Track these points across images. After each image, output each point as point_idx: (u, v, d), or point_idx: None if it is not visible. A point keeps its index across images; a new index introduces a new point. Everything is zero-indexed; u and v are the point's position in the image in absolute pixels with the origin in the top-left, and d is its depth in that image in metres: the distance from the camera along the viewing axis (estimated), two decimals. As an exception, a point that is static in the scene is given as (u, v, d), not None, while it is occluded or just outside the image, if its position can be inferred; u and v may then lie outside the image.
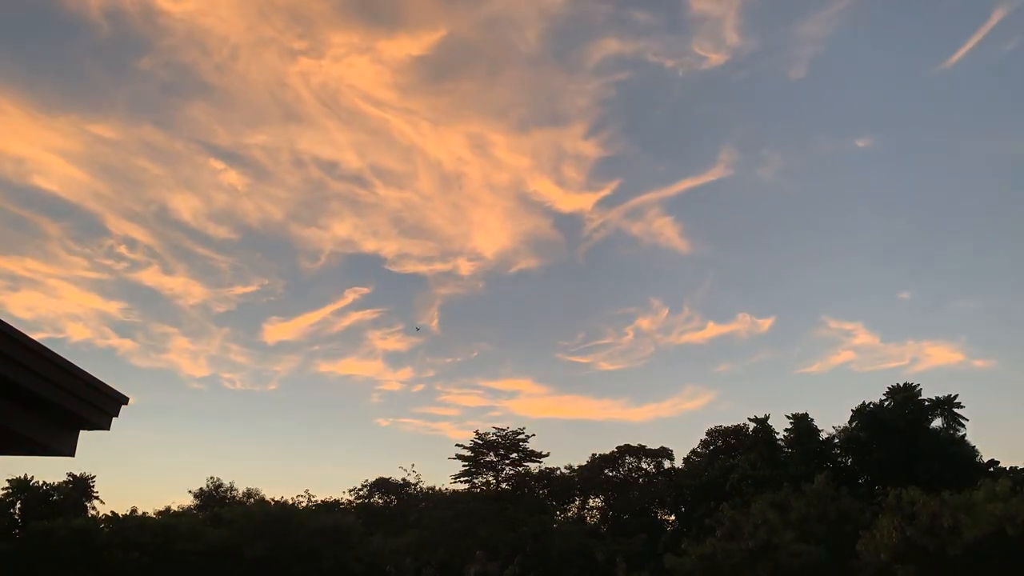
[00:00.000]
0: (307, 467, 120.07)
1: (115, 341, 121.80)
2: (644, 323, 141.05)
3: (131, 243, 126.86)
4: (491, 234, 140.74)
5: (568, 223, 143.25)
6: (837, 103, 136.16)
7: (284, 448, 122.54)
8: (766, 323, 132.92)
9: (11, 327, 4.56)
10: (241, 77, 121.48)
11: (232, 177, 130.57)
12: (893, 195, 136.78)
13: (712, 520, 46.23)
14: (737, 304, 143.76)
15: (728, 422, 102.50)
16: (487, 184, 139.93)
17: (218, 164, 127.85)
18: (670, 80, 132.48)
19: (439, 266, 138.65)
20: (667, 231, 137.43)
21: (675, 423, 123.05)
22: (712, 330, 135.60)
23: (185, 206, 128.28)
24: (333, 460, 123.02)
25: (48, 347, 4.87)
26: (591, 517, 77.22)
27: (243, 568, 50.36)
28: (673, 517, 71.96)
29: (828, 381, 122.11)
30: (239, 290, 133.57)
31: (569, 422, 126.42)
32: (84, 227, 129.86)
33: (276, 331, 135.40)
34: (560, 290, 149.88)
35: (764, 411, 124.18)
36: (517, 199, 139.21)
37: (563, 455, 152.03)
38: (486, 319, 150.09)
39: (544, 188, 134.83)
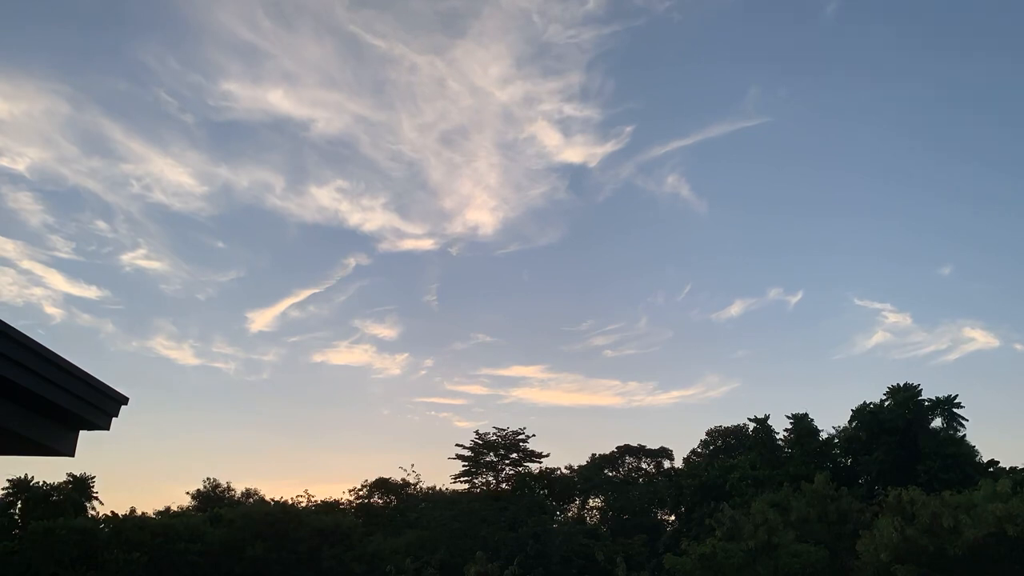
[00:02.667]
0: (308, 460, 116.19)
1: (93, 326, 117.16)
2: (664, 301, 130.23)
3: (107, 219, 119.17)
4: (491, 200, 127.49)
5: (576, 183, 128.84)
6: (872, 41, 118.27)
7: (284, 441, 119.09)
8: (794, 299, 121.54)
9: (11, 327, 4.55)
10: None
11: (207, 143, 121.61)
12: (938, 149, 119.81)
13: (712, 520, 46.22)
14: (765, 277, 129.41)
15: (754, 410, 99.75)
16: (482, 136, 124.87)
17: (186, 122, 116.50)
18: (685, 16, 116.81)
19: (429, 243, 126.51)
20: (683, 190, 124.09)
21: (699, 410, 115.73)
22: (738, 306, 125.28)
23: (157, 178, 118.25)
24: (335, 453, 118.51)
25: (38, 342, 4.86)
26: (591, 517, 77.28)
27: (243, 568, 50.35)
28: (673, 517, 71.99)
29: (863, 365, 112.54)
30: (223, 274, 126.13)
31: (584, 410, 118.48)
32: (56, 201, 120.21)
33: (264, 317, 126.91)
34: (569, 265, 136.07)
35: (792, 399, 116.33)
36: (518, 155, 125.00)
37: (578, 446, 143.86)
38: (489, 299, 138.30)
39: (548, 140, 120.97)
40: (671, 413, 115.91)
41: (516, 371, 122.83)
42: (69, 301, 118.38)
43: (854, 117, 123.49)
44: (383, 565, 50.23)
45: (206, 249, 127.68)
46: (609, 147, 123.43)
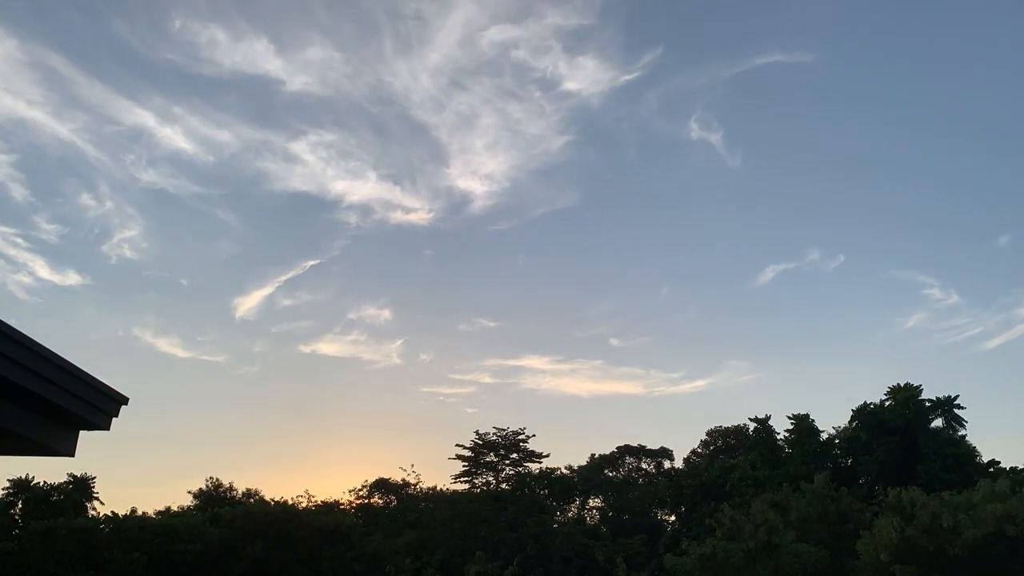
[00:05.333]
0: (309, 454, 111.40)
1: (74, 315, 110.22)
2: (688, 271, 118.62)
3: (91, 192, 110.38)
4: (491, 163, 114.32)
5: (590, 134, 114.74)
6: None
7: (283, 435, 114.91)
8: (832, 265, 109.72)
9: (10, 327, 4.57)
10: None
11: (174, 99, 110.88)
12: (1006, 101, 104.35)
13: (712, 520, 46.24)
14: (802, 240, 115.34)
15: (778, 396, 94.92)
16: (482, 83, 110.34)
17: (146, 71, 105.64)
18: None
19: (423, 215, 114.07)
20: (714, 138, 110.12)
21: (722, 399, 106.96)
22: (770, 273, 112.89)
23: (126, 137, 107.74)
24: (337, 445, 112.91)
25: (38, 341, 4.88)
26: (591, 517, 77.29)
27: (243, 568, 50.35)
28: (673, 517, 71.97)
29: (898, 347, 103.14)
30: (206, 255, 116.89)
31: (604, 399, 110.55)
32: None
33: (251, 302, 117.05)
34: (582, 235, 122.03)
35: (818, 386, 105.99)
36: (522, 104, 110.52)
37: (596, 438, 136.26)
38: (495, 277, 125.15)
39: (559, 83, 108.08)
40: (693, 402, 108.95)
41: (527, 361, 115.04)
42: (49, 287, 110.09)
43: (912, 61, 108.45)
44: (383, 565, 50.27)
45: (181, 226, 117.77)
46: (629, 81, 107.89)
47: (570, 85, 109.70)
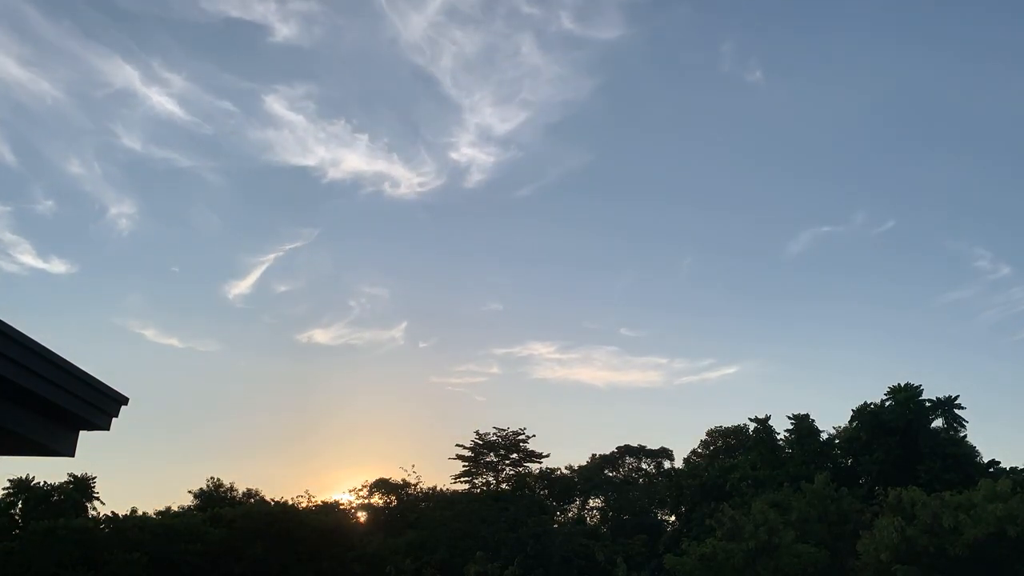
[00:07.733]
0: (312, 447, 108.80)
1: (60, 306, 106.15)
2: (715, 236, 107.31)
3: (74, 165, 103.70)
4: (495, 120, 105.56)
5: (606, 83, 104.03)
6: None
7: (284, 428, 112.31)
8: (879, 229, 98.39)
9: (11, 327, 4.56)
10: None
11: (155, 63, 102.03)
12: None
13: (712, 520, 46.24)
14: (843, 200, 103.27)
15: (804, 391, 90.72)
16: (484, 32, 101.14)
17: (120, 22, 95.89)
18: None
19: (419, 186, 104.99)
20: (751, 77, 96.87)
21: (755, 387, 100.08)
22: (807, 237, 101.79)
23: (116, 117, 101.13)
24: (342, 438, 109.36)
25: (38, 342, 4.86)
26: (591, 518, 77.28)
27: (243, 568, 50.35)
28: (673, 517, 71.98)
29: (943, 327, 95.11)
30: (197, 239, 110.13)
31: (623, 389, 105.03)
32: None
33: (243, 287, 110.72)
34: (595, 203, 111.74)
35: (850, 374, 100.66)
36: (528, 54, 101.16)
37: (611, 432, 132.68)
38: (499, 257, 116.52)
39: (567, 24, 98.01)
40: (718, 392, 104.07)
41: (537, 348, 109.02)
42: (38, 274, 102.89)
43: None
44: (383, 565, 50.28)
45: (168, 203, 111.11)
46: (651, 3, 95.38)
47: (582, 26, 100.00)
